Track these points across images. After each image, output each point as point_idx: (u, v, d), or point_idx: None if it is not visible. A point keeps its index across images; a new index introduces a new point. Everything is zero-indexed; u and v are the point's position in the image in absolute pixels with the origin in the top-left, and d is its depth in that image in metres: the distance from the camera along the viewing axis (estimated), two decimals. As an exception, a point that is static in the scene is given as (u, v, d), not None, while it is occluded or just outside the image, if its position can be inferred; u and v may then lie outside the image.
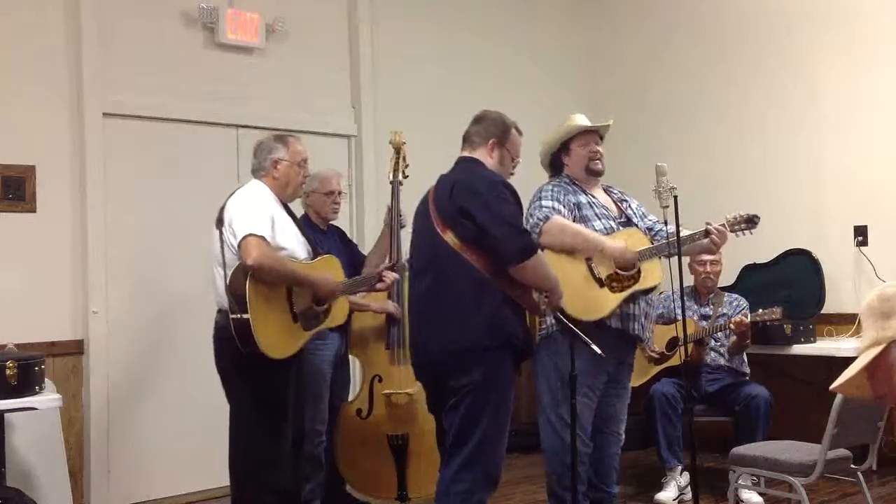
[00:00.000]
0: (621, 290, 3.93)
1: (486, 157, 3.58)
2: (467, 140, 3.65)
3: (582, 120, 4.19)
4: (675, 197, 3.77)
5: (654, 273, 4.02)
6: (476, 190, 3.37)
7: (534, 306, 3.47)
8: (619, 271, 3.94)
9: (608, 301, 3.91)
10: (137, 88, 5.19)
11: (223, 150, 5.45)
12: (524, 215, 3.97)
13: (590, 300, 3.88)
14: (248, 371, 3.70)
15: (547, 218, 3.93)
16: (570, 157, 4.17)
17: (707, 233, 4.03)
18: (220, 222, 3.80)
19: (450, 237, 3.37)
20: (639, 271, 3.97)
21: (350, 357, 4.87)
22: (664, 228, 4.17)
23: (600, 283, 3.92)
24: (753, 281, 6.11)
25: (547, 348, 3.99)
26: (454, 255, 3.36)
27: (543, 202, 4.02)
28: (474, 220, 3.31)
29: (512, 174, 3.66)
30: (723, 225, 4.06)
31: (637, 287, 3.96)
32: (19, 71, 4.85)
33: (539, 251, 3.40)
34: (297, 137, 4.06)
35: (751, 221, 4.10)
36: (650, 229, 4.21)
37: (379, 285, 4.32)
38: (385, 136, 4.99)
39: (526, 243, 3.34)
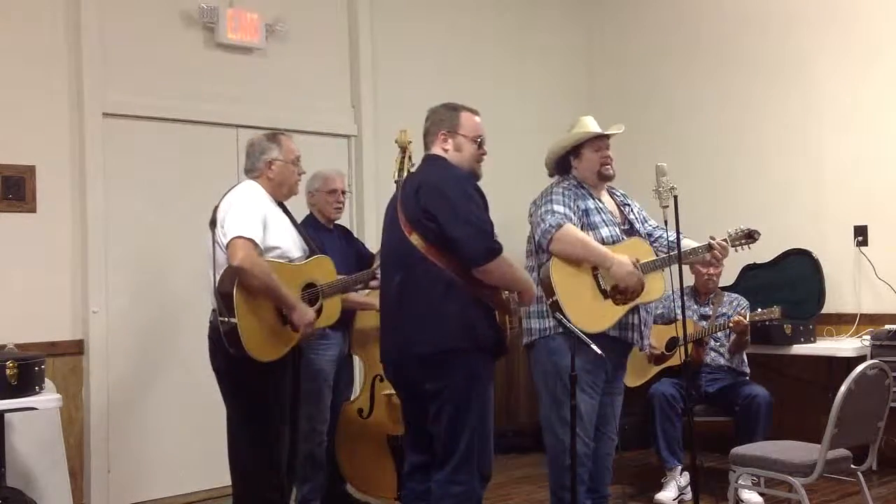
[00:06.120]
0: (625, 303, 3.93)
1: (442, 150, 3.52)
2: (425, 139, 3.61)
3: (593, 124, 4.15)
4: (675, 197, 3.78)
5: (657, 285, 4.04)
6: (441, 190, 3.32)
7: (503, 306, 3.42)
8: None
9: (611, 313, 3.92)
10: (137, 88, 5.19)
11: (223, 150, 5.44)
12: (537, 214, 3.98)
13: (594, 312, 3.87)
14: (243, 372, 3.68)
15: (560, 225, 3.89)
16: (580, 161, 4.11)
17: (710, 247, 4.14)
18: (213, 223, 3.80)
19: (415, 239, 3.33)
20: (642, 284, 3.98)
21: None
22: (664, 235, 4.18)
23: (605, 294, 3.92)
24: (753, 281, 6.11)
25: (546, 348, 3.99)
26: (421, 257, 3.32)
27: (555, 206, 3.96)
28: (437, 222, 3.27)
29: (483, 154, 3.55)
30: (725, 240, 4.19)
31: (639, 301, 3.98)
32: (19, 71, 4.85)
33: (503, 253, 3.31)
34: (288, 135, 4.05)
35: (750, 236, 4.26)
36: (650, 235, 4.22)
37: (373, 283, 4.32)
38: (385, 136, 5.00)
39: (488, 245, 3.27)
